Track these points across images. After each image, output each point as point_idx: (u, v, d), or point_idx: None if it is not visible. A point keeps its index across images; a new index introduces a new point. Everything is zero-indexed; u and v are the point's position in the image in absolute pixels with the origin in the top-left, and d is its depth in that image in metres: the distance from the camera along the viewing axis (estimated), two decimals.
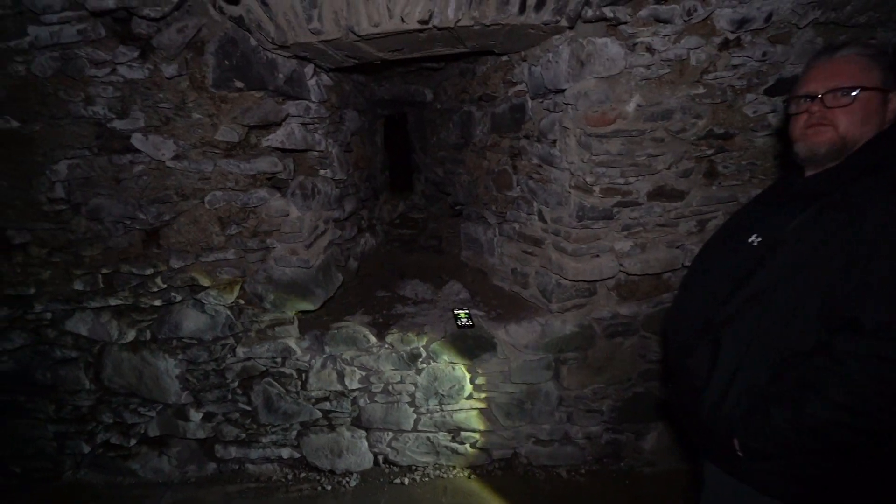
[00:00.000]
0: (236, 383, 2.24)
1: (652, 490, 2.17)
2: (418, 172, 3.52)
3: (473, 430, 2.28)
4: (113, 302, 2.08)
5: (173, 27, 1.69)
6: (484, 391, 2.23)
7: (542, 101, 1.94)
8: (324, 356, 2.19)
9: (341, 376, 2.21)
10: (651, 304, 2.04)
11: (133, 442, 2.31)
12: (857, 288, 0.98)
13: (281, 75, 1.90)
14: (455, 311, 2.22)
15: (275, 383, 2.23)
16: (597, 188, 1.78)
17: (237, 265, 2.06)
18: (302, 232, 2.07)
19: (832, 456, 1.07)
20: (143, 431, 2.30)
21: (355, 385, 2.22)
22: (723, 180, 1.85)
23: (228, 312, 2.12)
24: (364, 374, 2.21)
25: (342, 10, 1.61)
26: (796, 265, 1.06)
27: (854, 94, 1.08)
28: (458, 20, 1.60)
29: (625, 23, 1.60)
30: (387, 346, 2.17)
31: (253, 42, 1.77)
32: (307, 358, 2.19)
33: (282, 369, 2.22)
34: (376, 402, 2.25)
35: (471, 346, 2.14)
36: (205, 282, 2.05)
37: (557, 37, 1.75)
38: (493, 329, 2.12)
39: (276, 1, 1.61)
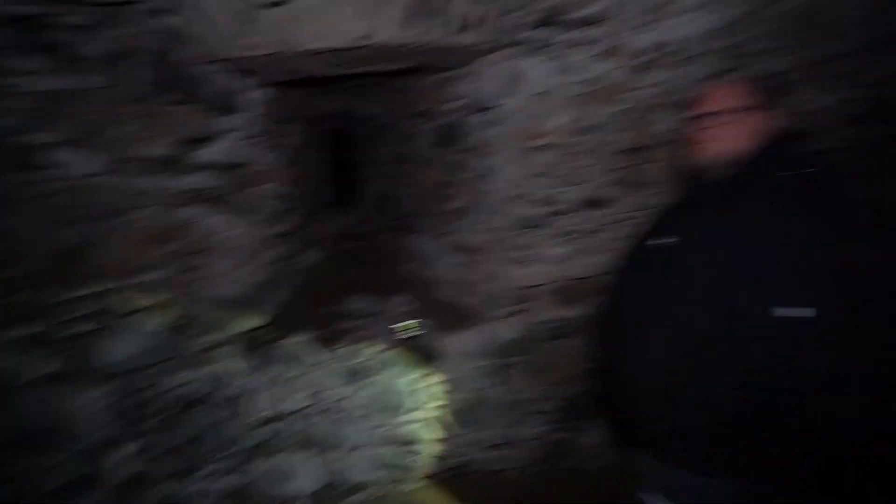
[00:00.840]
0: (173, 412, 2.11)
1: (597, 484, 2.28)
2: (364, 186, 3.53)
3: (424, 441, 2.29)
4: (28, 331, 1.91)
5: (102, 36, 1.62)
6: (433, 401, 2.25)
7: (478, 117, 2.04)
8: (269, 376, 2.12)
9: (288, 395, 2.14)
10: (588, 306, 2.16)
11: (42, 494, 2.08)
12: (748, 282, 1.11)
13: (218, 88, 1.86)
14: (401, 323, 2.24)
15: (216, 408, 2.13)
16: (531, 198, 1.89)
17: (173, 285, 1.96)
18: (243, 248, 2.02)
19: (741, 430, 1.19)
20: (56, 480, 2.09)
21: (302, 403, 2.16)
22: (646, 189, 2.02)
23: (164, 335, 2.01)
24: (311, 391, 2.16)
25: (282, 25, 1.62)
26: (703, 262, 1.19)
27: (730, 114, 1.24)
28: (399, 37, 1.66)
29: (553, 44, 1.73)
30: (334, 361, 2.14)
31: (187, 54, 1.73)
32: (251, 379, 2.11)
33: (224, 392, 2.12)
34: (325, 419, 2.20)
35: (418, 356, 2.16)
36: (137, 304, 1.93)
37: (493, 55, 1.85)
38: (440, 338, 2.16)
39: (212, 13, 1.59)
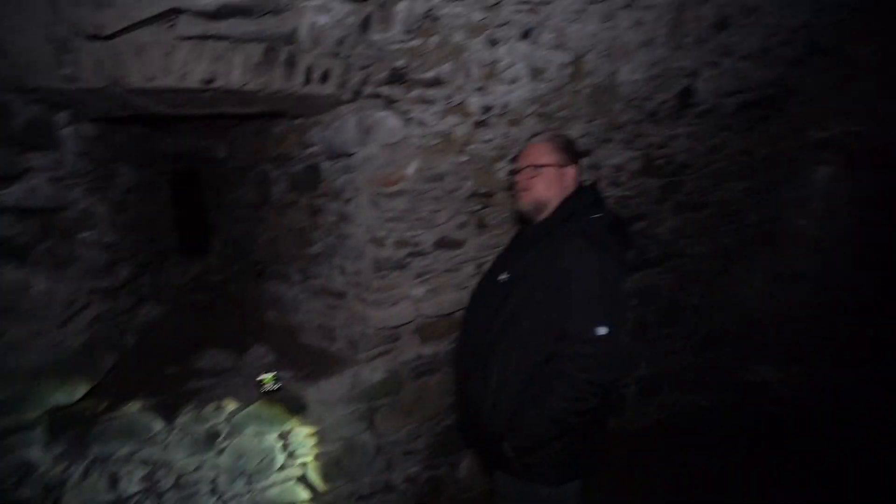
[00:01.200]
0: None
1: None
2: (215, 232, 3.27)
3: (293, 503, 2.11)
4: None
5: None
6: (298, 457, 2.11)
7: (335, 163, 2.09)
8: (87, 461, 1.77)
9: (114, 481, 1.81)
10: (450, 341, 2.29)
11: None
12: (563, 306, 1.32)
13: (18, 121, 1.60)
14: (260, 377, 2.09)
15: None
16: (389, 241, 1.97)
17: None
18: (52, 308, 1.71)
19: (570, 437, 1.38)
20: None
21: (135, 488, 1.84)
22: (491, 230, 2.26)
23: None
24: (148, 470, 1.85)
25: (106, 59, 1.48)
26: (530, 294, 1.39)
27: (540, 168, 1.51)
28: (245, 84, 1.64)
29: (400, 100, 1.88)
30: (177, 429, 1.88)
31: None
32: (61, 468, 1.73)
33: (17, 493, 1.70)
34: (165, 501, 1.90)
35: (280, 411, 2.02)
36: None
37: (344, 107, 1.94)
38: (303, 389, 2.06)
39: (10, 37, 1.39)
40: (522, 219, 1.65)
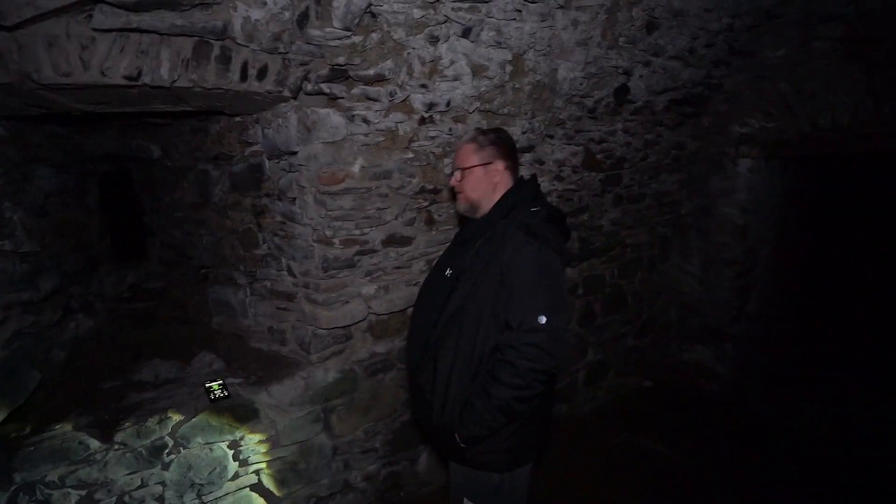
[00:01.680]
0: None
1: None
2: (152, 236, 3.09)
3: None
4: None
5: None
6: (252, 464, 2.05)
7: (278, 162, 2.03)
8: (12, 489, 1.63)
9: None
10: (402, 338, 2.30)
11: None
12: (505, 299, 1.36)
13: None
14: (207, 385, 2.01)
15: None
16: (336, 240, 1.95)
17: None
18: None
19: (518, 424, 1.43)
20: None
21: None
22: (439, 226, 2.29)
23: None
24: (85, 492, 1.74)
25: (12, 52, 1.36)
26: (473, 287, 1.42)
27: (466, 171, 1.54)
28: (175, 80, 1.57)
29: (342, 97, 1.86)
30: (117, 446, 1.78)
31: None
32: None
33: None
34: None
35: (229, 418, 1.96)
36: None
37: (284, 104, 1.89)
38: (254, 394, 2.01)
39: None
40: (461, 217, 1.69)
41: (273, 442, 2.07)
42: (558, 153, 2.69)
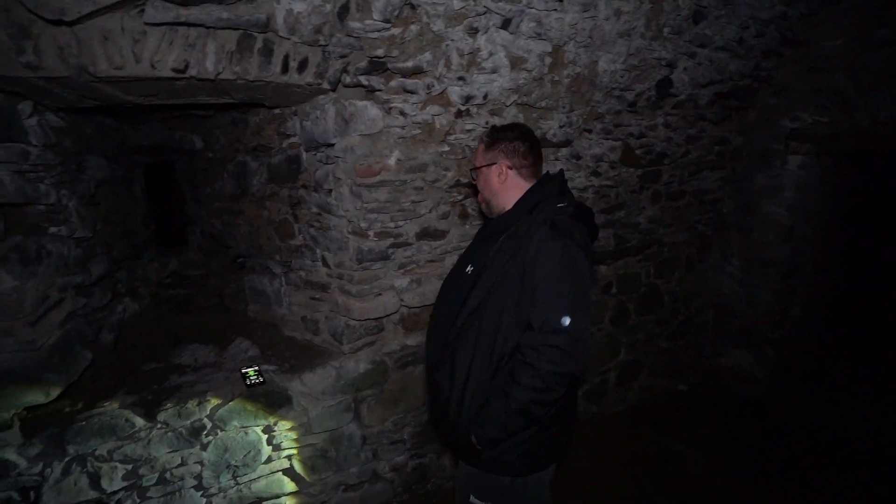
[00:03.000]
0: None
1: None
2: (192, 225, 3.20)
3: (277, 496, 2.11)
4: None
5: None
6: (284, 450, 2.10)
7: (315, 154, 2.06)
8: (66, 459, 1.73)
9: (96, 479, 1.78)
10: None
11: None
12: (527, 298, 1.30)
13: None
14: (243, 371, 2.07)
15: None
16: (371, 232, 1.97)
17: None
18: (22, 306, 1.65)
19: (536, 428, 1.38)
20: None
21: (118, 485, 1.81)
22: (473, 220, 2.27)
23: None
24: (130, 467, 1.83)
25: (70, 46, 1.42)
26: (494, 284, 1.36)
27: (475, 170, 1.54)
28: (220, 73, 1.60)
29: (380, 90, 1.86)
30: (159, 425, 1.86)
31: None
32: (38, 468, 1.69)
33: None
34: (150, 498, 1.88)
35: (264, 404, 2.01)
36: None
37: (323, 97, 1.91)
38: (287, 381, 2.05)
39: None
40: (483, 214, 1.66)
41: (305, 429, 2.12)
42: (596, 148, 2.62)
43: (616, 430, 3.10)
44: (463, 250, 2.26)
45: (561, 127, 2.35)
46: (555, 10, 1.91)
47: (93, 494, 1.78)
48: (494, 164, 1.47)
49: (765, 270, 3.48)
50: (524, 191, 1.46)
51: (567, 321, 1.25)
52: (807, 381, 3.51)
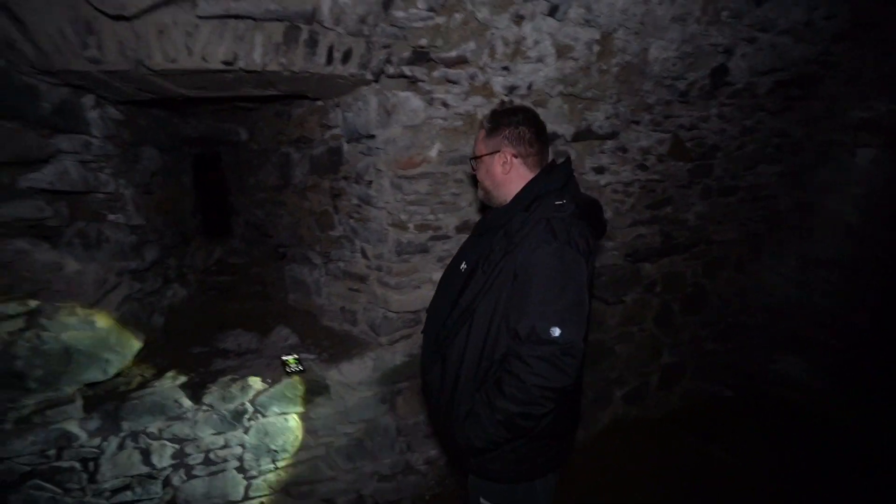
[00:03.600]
0: None
1: None
2: (236, 215, 3.30)
3: (313, 482, 2.16)
4: None
5: None
6: (321, 437, 2.14)
7: (356, 145, 2.07)
8: (121, 435, 1.83)
9: (147, 455, 1.87)
10: None
11: None
12: (515, 304, 1.21)
13: (47, 104, 1.62)
14: (283, 358, 2.12)
15: (46, 485, 1.77)
16: (411, 225, 1.96)
17: None
18: (84, 288, 1.75)
19: (525, 440, 1.31)
20: None
21: (166, 462, 1.90)
22: None
23: None
24: (178, 446, 1.91)
25: (129, 40, 1.47)
26: (486, 283, 1.27)
27: (475, 159, 1.41)
28: (266, 65, 1.63)
29: (422, 80, 1.84)
30: (205, 407, 1.93)
31: (14, 62, 1.48)
32: (96, 442, 1.80)
33: (57, 464, 1.77)
34: (196, 476, 1.96)
35: (302, 391, 2.05)
36: None
37: (366, 88, 1.90)
38: (325, 370, 2.09)
39: (36, 19, 1.39)
40: (481, 209, 1.57)
41: (341, 417, 2.15)
42: (644, 140, 2.50)
43: (656, 435, 2.99)
44: None
45: (607, 118, 2.26)
46: None
47: (144, 469, 1.88)
48: (497, 151, 1.33)
49: (825, 273, 3.25)
50: (528, 181, 1.33)
51: (557, 332, 1.14)
52: (870, 394, 3.26)
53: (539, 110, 2.06)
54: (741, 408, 3.29)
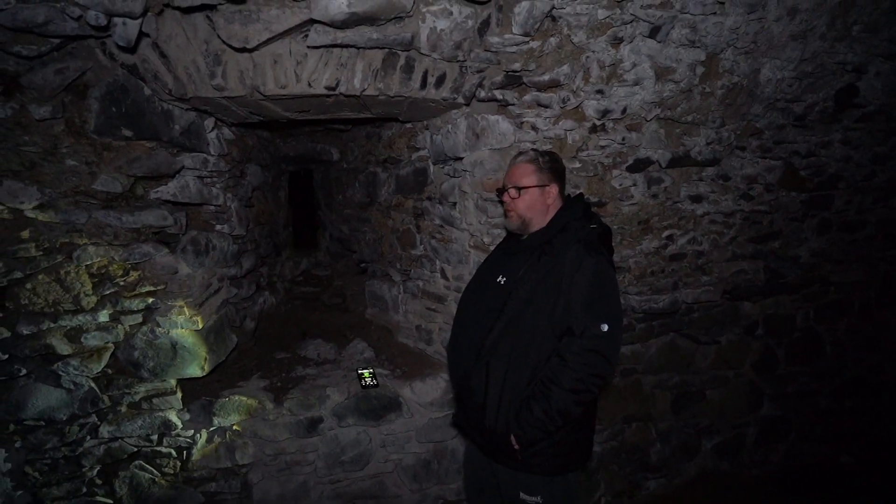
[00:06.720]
0: (95, 471, 1.90)
1: None
2: (323, 229, 3.49)
3: (378, 498, 2.16)
4: None
5: (50, 68, 1.56)
6: (390, 454, 2.15)
7: (442, 167, 2.10)
8: (211, 429, 1.97)
9: (231, 450, 1.99)
10: None
11: None
12: (565, 307, 1.41)
13: (177, 127, 1.83)
14: (359, 371, 2.16)
15: (147, 466, 1.94)
16: (493, 247, 1.92)
17: (108, 328, 1.82)
18: (192, 290, 1.92)
19: (567, 429, 1.47)
20: None
21: (247, 459, 2.01)
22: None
23: (92, 384, 1.84)
24: (258, 445, 2.01)
25: (248, 69, 1.63)
26: (529, 296, 1.46)
27: (523, 190, 1.55)
28: (364, 90, 1.71)
29: (513, 104, 1.83)
30: (285, 411, 2.02)
31: (147, 91, 1.70)
32: (190, 432, 1.95)
33: (157, 448, 1.94)
34: (271, 477, 2.05)
35: (375, 406, 2.08)
36: (64, 349, 1.77)
37: (456, 111, 1.94)
38: (399, 388, 2.10)
39: (176, 54, 1.58)
40: (510, 231, 1.66)
41: (411, 436, 2.14)
42: (749, 168, 2.29)
43: (752, 495, 2.64)
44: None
45: (708, 144, 2.09)
46: (713, 13, 1.71)
47: (227, 464, 1.99)
48: (546, 185, 1.55)
49: None
50: (557, 210, 1.57)
51: (605, 327, 1.37)
52: None
53: (632, 135, 1.97)
54: (863, 479, 2.81)
